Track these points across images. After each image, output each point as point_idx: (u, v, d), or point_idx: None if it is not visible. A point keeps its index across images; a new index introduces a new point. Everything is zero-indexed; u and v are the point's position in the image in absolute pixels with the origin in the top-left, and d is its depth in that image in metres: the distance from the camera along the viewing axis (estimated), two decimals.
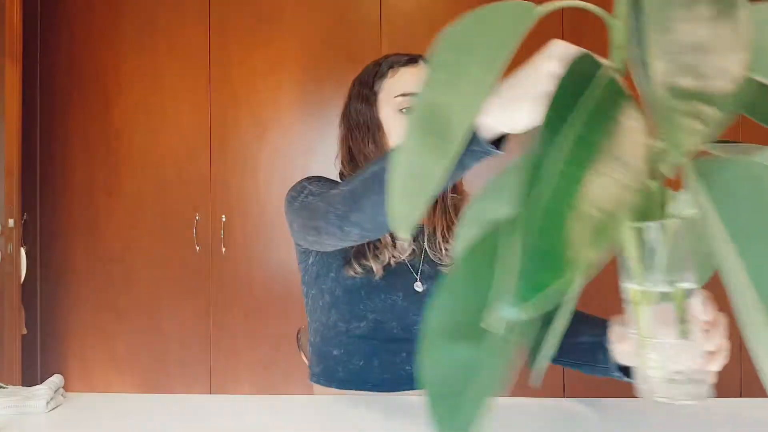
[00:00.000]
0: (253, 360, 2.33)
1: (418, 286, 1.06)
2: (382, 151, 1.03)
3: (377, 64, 1.10)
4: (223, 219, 2.33)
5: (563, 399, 0.90)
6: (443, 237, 1.09)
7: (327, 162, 2.35)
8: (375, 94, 1.07)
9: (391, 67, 1.07)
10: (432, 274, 1.08)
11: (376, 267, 1.02)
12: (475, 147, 0.59)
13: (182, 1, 2.34)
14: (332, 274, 1.05)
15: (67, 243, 2.37)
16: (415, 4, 2.31)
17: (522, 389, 2.37)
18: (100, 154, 2.37)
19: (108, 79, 2.37)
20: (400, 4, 2.31)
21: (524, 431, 0.76)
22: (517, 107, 0.53)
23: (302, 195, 0.96)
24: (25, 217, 2.32)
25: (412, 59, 1.07)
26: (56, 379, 0.89)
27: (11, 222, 2.06)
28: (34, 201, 2.37)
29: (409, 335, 1.04)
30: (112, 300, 2.36)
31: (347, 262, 1.03)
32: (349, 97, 1.12)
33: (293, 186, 1.03)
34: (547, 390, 2.27)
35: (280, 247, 2.33)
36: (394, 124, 1.04)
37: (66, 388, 0.91)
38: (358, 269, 1.02)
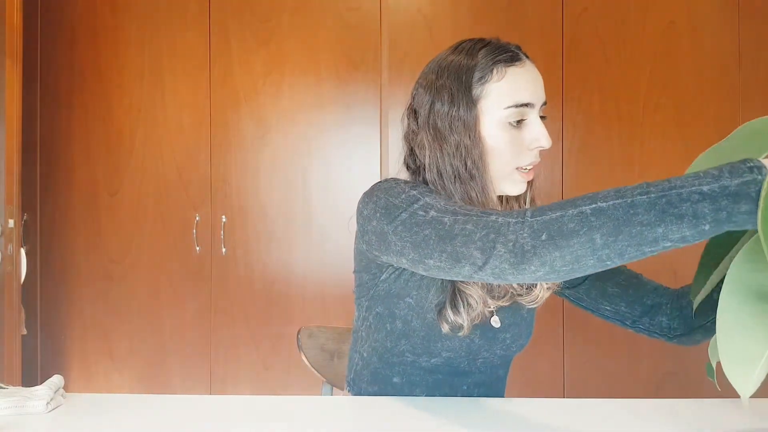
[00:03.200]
0: (253, 360, 2.33)
1: (495, 322, 0.93)
2: (480, 175, 0.86)
3: (470, 56, 0.88)
4: (224, 219, 2.33)
5: (563, 399, 0.90)
6: None
7: (327, 162, 2.36)
8: (475, 101, 0.87)
9: (494, 65, 0.87)
10: (509, 306, 0.95)
11: (467, 324, 0.87)
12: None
13: (183, 1, 2.35)
14: (410, 301, 0.90)
15: (67, 243, 2.37)
16: (415, 4, 2.31)
17: (522, 389, 2.35)
18: (100, 154, 2.37)
19: (108, 79, 2.37)
20: (400, 5, 2.31)
21: (524, 431, 0.76)
22: None
23: (416, 206, 0.78)
24: (25, 217, 2.32)
25: (515, 56, 0.88)
26: (56, 380, 0.89)
27: (11, 222, 2.06)
28: (34, 201, 2.38)
29: (474, 368, 0.96)
30: (112, 300, 2.36)
31: (439, 312, 0.88)
32: (432, 94, 0.89)
33: (383, 189, 0.84)
34: (548, 390, 2.27)
35: (281, 247, 2.33)
36: (501, 141, 0.87)
37: (66, 388, 0.91)
38: (447, 326, 0.87)
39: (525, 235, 0.65)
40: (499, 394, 1.03)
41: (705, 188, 0.58)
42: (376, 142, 2.33)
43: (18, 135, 2.13)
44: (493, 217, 0.70)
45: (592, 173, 2.30)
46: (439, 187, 0.88)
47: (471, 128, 0.87)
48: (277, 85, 2.33)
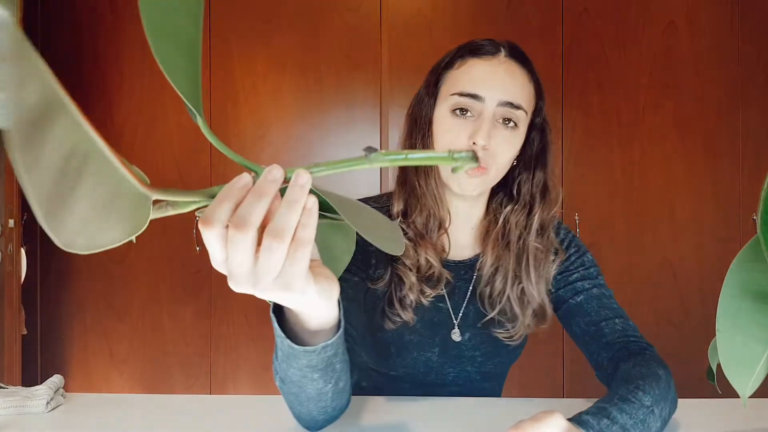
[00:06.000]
0: (253, 360, 2.33)
1: (456, 335, 0.88)
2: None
3: (458, 48, 0.88)
4: None
5: (563, 399, 0.90)
6: (505, 284, 0.88)
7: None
8: (437, 86, 0.86)
9: (461, 56, 0.85)
10: (475, 321, 0.90)
11: (407, 316, 0.85)
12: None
13: None
14: (355, 307, 0.86)
15: None
16: (415, 4, 2.31)
17: (522, 389, 2.34)
18: None
19: (109, 79, 2.37)
20: (400, 5, 2.31)
21: None
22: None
23: None
24: (25, 217, 2.32)
25: (484, 49, 0.84)
26: (56, 380, 0.89)
27: (12, 222, 2.06)
28: None
29: (448, 380, 0.91)
30: (112, 300, 2.36)
31: (383, 312, 0.86)
32: (422, 85, 0.92)
33: None
34: (547, 390, 2.27)
35: None
36: (443, 127, 0.84)
37: (66, 388, 0.91)
38: (391, 324, 0.86)
39: None
40: None
41: None
42: (376, 142, 2.32)
43: None
44: None
45: (591, 172, 2.30)
46: (400, 181, 0.88)
47: (427, 112, 0.86)
48: (277, 85, 2.33)
